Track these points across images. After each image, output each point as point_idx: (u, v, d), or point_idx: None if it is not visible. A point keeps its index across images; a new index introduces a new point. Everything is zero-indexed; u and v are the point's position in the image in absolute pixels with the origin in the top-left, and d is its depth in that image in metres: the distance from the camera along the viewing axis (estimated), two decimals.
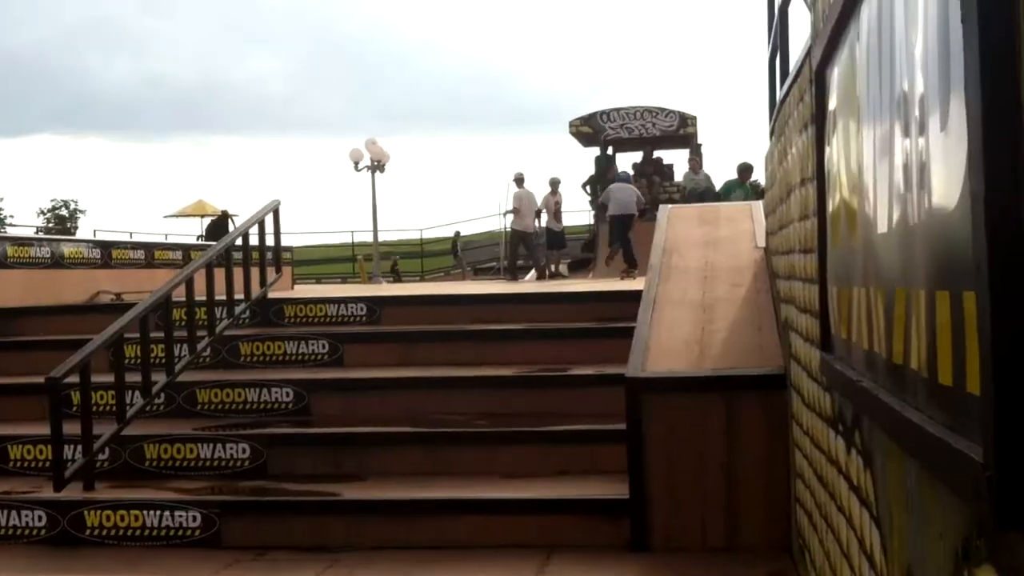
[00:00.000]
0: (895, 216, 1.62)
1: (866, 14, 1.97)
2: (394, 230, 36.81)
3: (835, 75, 2.56)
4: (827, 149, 2.73)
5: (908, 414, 1.43)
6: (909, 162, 1.48)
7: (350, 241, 33.04)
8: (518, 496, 5.12)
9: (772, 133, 5.51)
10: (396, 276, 27.25)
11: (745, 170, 16.92)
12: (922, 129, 1.39)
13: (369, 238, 26.10)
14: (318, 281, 24.90)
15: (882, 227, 1.74)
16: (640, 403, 4.79)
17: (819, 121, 2.92)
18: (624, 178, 19.29)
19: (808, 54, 3.40)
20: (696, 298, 5.71)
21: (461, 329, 7.27)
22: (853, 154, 2.17)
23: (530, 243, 18.95)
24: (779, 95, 5.07)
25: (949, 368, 1.21)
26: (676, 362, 4.96)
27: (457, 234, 28.71)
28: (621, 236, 16.28)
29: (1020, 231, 0.93)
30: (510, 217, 19.06)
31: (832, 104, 2.64)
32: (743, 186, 16.75)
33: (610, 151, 24.17)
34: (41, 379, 6.04)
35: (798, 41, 4.73)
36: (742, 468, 4.67)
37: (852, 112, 2.19)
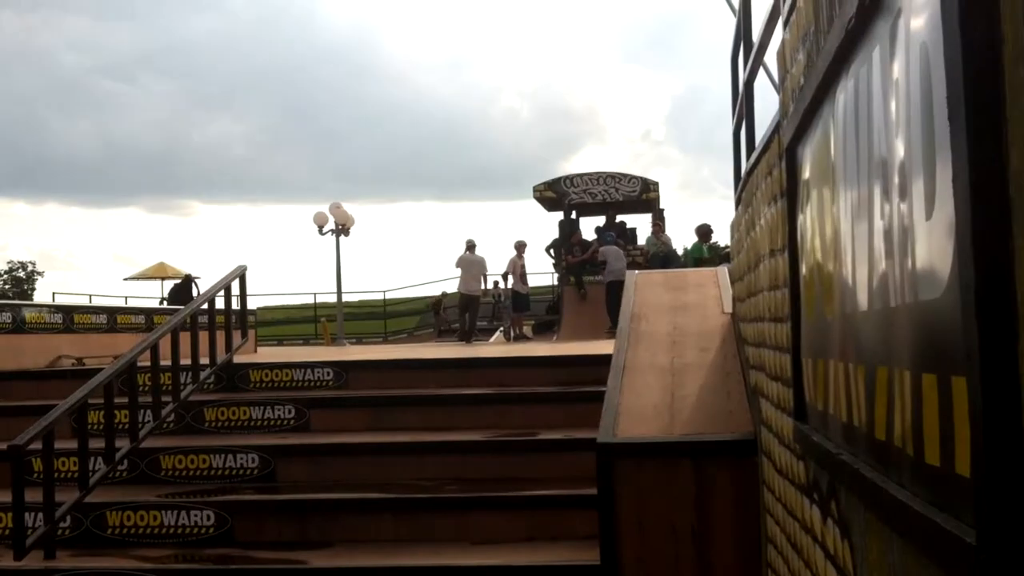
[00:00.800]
0: (876, 294, 1.67)
1: (842, 97, 2.04)
2: (357, 292, 36.76)
3: (807, 152, 2.63)
4: (799, 224, 2.80)
5: (893, 491, 1.46)
6: (892, 245, 1.53)
7: (312, 302, 32.93)
8: (490, 563, 5.10)
9: (738, 203, 5.61)
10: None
11: (705, 232, 17.17)
12: (906, 215, 1.44)
13: (332, 299, 26.02)
14: (280, 342, 24.72)
15: (862, 304, 1.79)
16: (611, 468, 4.80)
17: (791, 195, 2.99)
18: (611, 241, 19.54)
19: (776, 131, 3.49)
20: (665, 363, 5.75)
21: (430, 394, 7.27)
22: (828, 231, 2.23)
23: (474, 307, 19.02)
24: (744, 166, 5.19)
25: (936, 449, 1.25)
26: (646, 427, 4.99)
27: (444, 294, 28.63)
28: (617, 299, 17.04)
29: (1013, 320, 0.97)
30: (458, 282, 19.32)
31: (804, 180, 2.71)
32: (703, 247, 17.02)
33: (574, 215, 24.39)
34: (2, 446, 5.96)
35: (761, 115, 4.86)
36: (713, 533, 4.68)
37: (828, 190, 2.25)
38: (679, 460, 4.75)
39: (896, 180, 1.53)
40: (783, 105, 3.28)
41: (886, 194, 1.60)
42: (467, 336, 18.42)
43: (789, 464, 3.27)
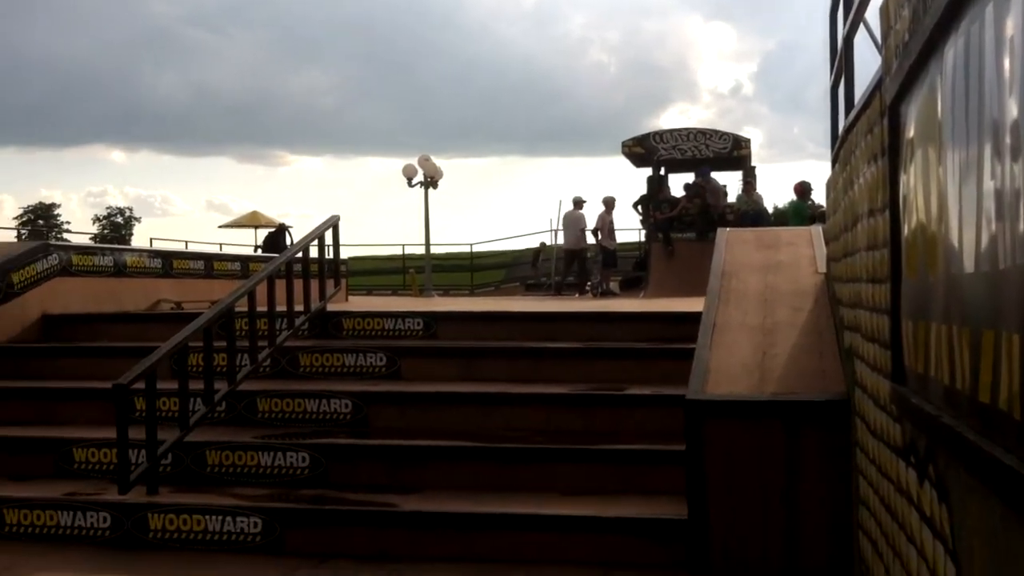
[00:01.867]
0: (984, 256, 1.66)
1: (951, 55, 2.00)
2: (444, 244, 37.01)
3: (912, 110, 2.59)
4: (901, 184, 2.76)
5: (997, 454, 1.46)
6: (1002, 207, 1.52)
7: (400, 254, 33.31)
8: (575, 513, 5.17)
9: (835, 161, 5.52)
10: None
11: (805, 190, 16.90)
12: (1019, 177, 1.43)
13: (419, 251, 26.30)
14: (369, 292, 25.07)
15: (969, 266, 1.77)
16: (700, 425, 4.82)
17: (892, 154, 2.95)
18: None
19: (878, 88, 3.42)
20: (756, 322, 5.72)
21: (517, 346, 7.33)
22: (933, 191, 2.21)
23: (580, 262, 19.63)
24: (842, 125, 5.10)
25: None
26: (736, 386, 4.98)
27: (543, 245, 28.64)
28: None
29: None
30: (560, 235, 19.85)
31: (908, 139, 2.66)
32: (802, 203, 16.79)
33: (662, 172, 24.17)
34: (104, 384, 6.21)
35: (861, 72, 4.75)
36: (802, 493, 4.68)
37: (933, 150, 2.22)
38: (770, 419, 4.74)
39: (1008, 140, 1.51)
40: (885, 62, 3.22)
41: (997, 154, 1.58)
42: (579, 288, 19.56)
43: (884, 426, 3.25)
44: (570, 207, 20.93)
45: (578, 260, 19.91)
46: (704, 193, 20.80)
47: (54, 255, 8.92)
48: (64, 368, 7.78)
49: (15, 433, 6.60)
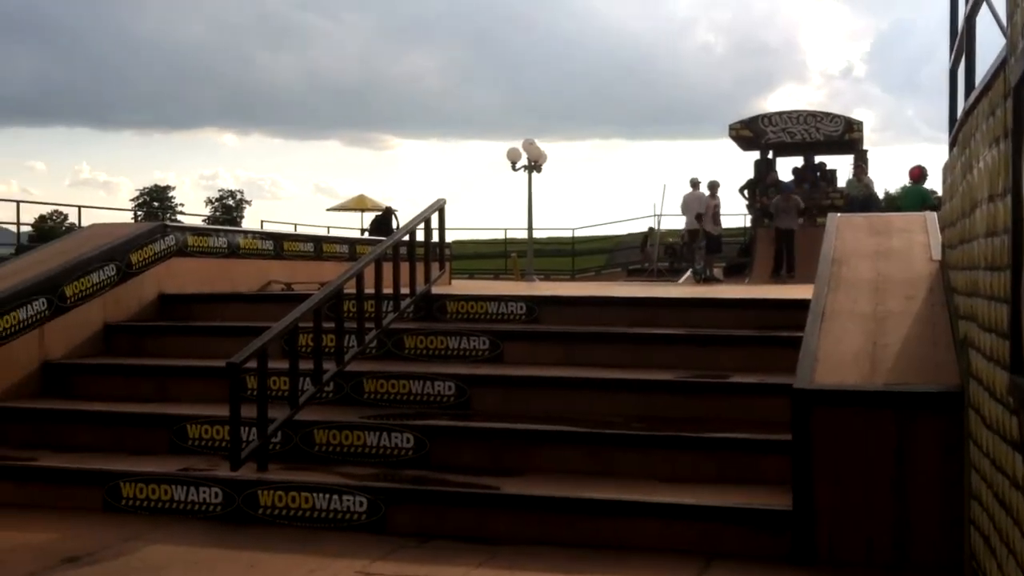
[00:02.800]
0: None
1: None
2: (546, 229, 37.00)
3: None
4: None
5: None
6: None
7: (502, 238, 33.45)
8: (677, 501, 5.13)
9: (953, 144, 5.35)
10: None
11: (921, 175, 16.41)
12: None
13: (521, 235, 26.38)
14: (471, 276, 25.27)
15: None
16: (807, 414, 4.74)
17: (1016, 137, 2.84)
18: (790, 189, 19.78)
19: (1002, 69, 3.30)
20: (867, 310, 5.59)
21: (620, 331, 7.30)
22: None
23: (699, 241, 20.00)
24: (962, 106, 4.93)
25: None
26: (845, 375, 4.88)
27: (651, 230, 28.47)
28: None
29: None
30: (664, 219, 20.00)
31: None
32: (918, 188, 16.32)
33: (770, 155, 23.76)
34: (217, 363, 6.40)
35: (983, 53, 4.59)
36: (913, 486, 4.57)
37: None
38: (880, 410, 4.64)
39: None
40: (1011, 42, 3.10)
41: None
42: (699, 274, 19.95)
43: (1000, 419, 3.15)
44: (688, 189, 20.85)
45: (696, 241, 20.43)
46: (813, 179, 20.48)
47: (171, 236, 9.20)
48: (179, 346, 8.03)
49: (133, 409, 6.84)
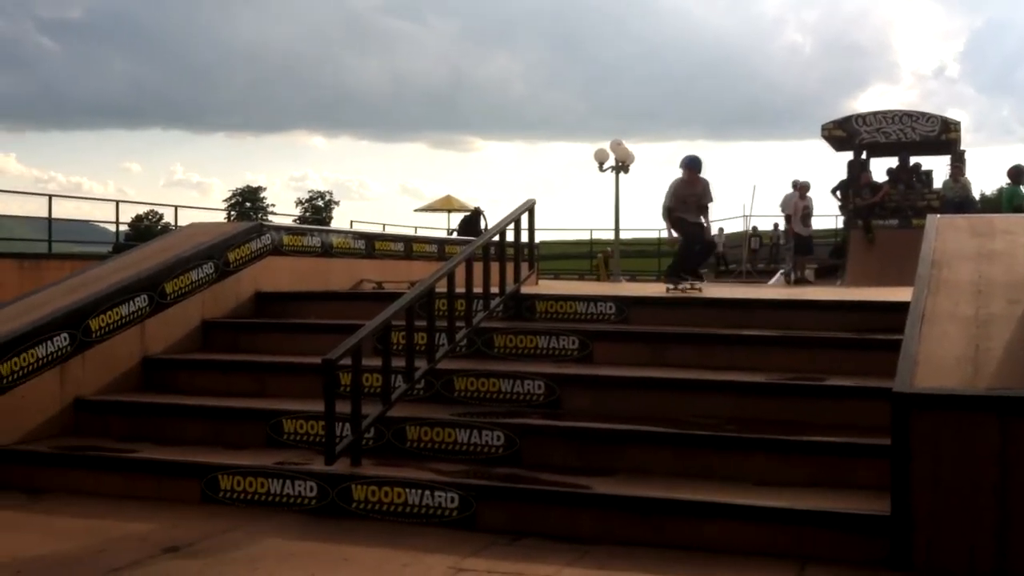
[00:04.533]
0: None
1: None
2: (632, 229, 36.80)
3: None
4: None
5: None
6: None
7: (588, 239, 33.38)
8: (770, 504, 5.06)
9: None
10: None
11: (1017, 174, 15.94)
12: None
13: (607, 236, 26.28)
14: (556, 276, 25.29)
15: None
16: (907, 419, 4.64)
17: None
18: None
19: None
20: (968, 314, 5.45)
21: (711, 332, 7.24)
22: None
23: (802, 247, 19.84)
24: None
25: None
26: (947, 379, 4.77)
27: (755, 229, 28.10)
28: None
29: None
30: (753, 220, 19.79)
31: None
32: (1016, 189, 15.84)
33: (864, 155, 23.31)
34: (311, 360, 6.51)
35: None
36: (1016, 491, 4.44)
37: None
38: (983, 414, 4.52)
39: None
40: None
41: None
42: (760, 277, 19.55)
43: None
44: (789, 190, 20.75)
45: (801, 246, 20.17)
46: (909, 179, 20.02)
47: (267, 235, 9.40)
48: (274, 343, 8.19)
49: (230, 404, 7.00)
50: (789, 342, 6.96)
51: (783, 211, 20.46)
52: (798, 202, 20.09)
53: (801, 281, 19.53)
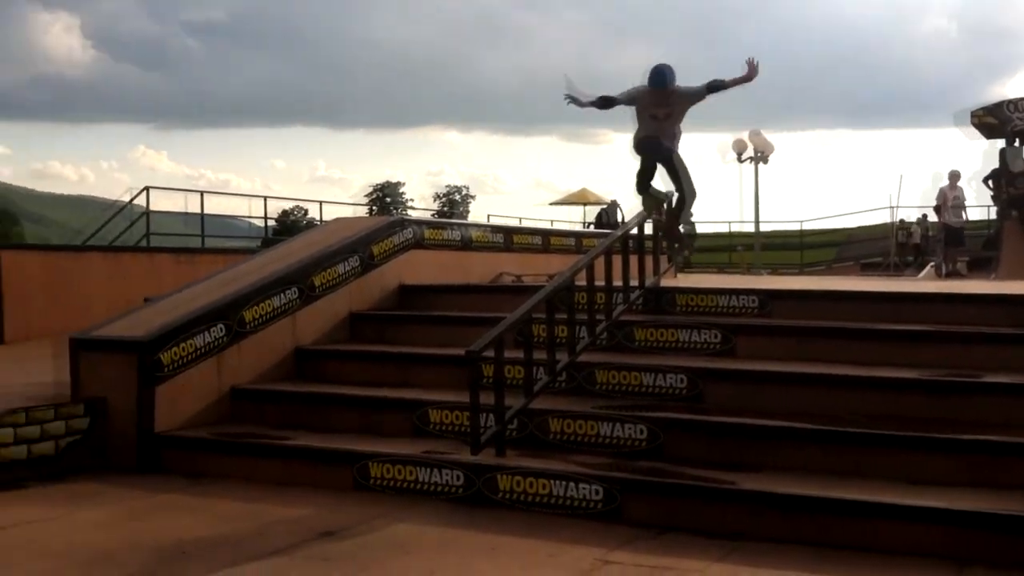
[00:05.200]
0: None
1: None
2: (771, 221, 36.05)
3: None
4: None
5: None
6: None
7: (726, 231, 32.87)
8: (926, 504, 4.92)
9: None
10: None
11: None
12: None
13: (745, 228, 25.86)
14: (694, 269, 24.99)
15: None
16: None
17: None
18: None
19: None
20: None
21: (860, 327, 7.06)
22: None
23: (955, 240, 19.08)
24: None
25: None
26: None
27: (902, 221, 27.14)
28: None
29: None
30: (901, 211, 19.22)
31: None
32: None
33: (1017, 143, 22.31)
34: (454, 351, 6.63)
35: None
36: None
37: None
38: None
39: None
40: None
41: None
42: (907, 270, 18.78)
43: None
44: (945, 181, 19.97)
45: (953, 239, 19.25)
46: None
47: (408, 229, 9.61)
48: (418, 334, 8.36)
49: (378, 393, 7.19)
50: (942, 337, 6.73)
51: (937, 201, 19.71)
52: (948, 192, 19.39)
53: (953, 274, 18.83)
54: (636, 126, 8.25)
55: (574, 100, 8.02)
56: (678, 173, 8.33)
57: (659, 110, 8.01)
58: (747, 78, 7.90)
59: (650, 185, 8.48)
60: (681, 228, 8.62)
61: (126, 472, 6.75)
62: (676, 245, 9.03)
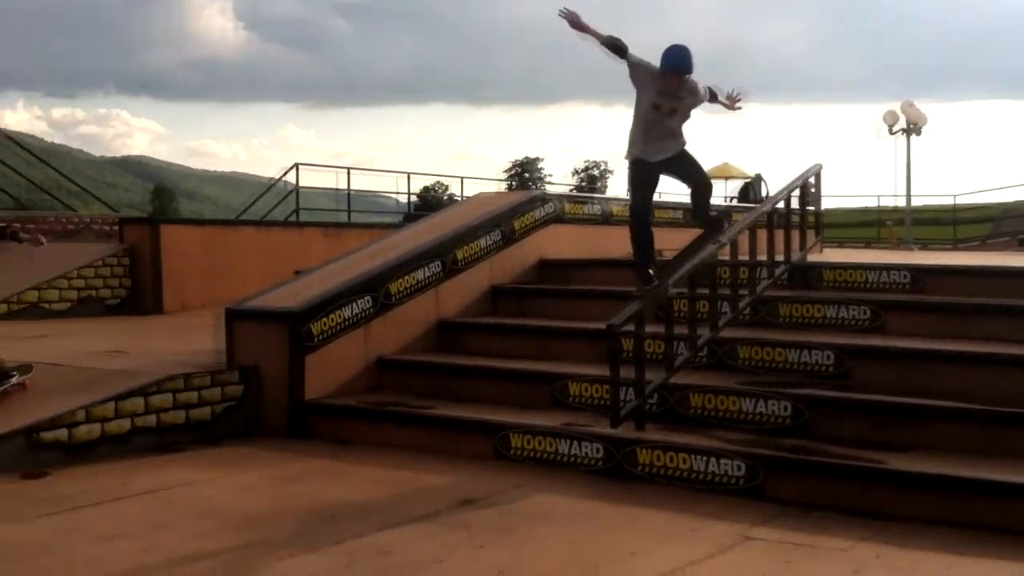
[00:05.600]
0: None
1: None
2: (921, 195, 34.71)
3: None
4: None
5: None
6: None
7: (875, 205, 31.85)
8: None
9: None
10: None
11: None
12: None
13: (894, 203, 24.97)
14: (840, 245, 24.28)
15: None
16: None
17: None
18: None
19: None
20: None
21: (1020, 304, 6.74)
22: None
23: None
24: None
25: None
26: None
27: None
28: None
29: None
30: None
31: None
32: None
33: None
34: (593, 325, 6.64)
35: None
36: None
37: None
38: None
39: None
40: None
41: None
42: None
43: None
44: None
45: None
46: None
47: (549, 204, 9.64)
48: (557, 308, 8.40)
49: (519, 366, 7.26)
50: None
51: None
52: None
53: None
54: (633, 115, 6.57)
55: (577, 24, 6.34)
56: (695, 164, 6.80)
57: (666, 101, 6.41)
58: (727, 106, 6.86)
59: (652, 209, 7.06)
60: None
61: (277, 437, 7.02)
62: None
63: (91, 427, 6.40)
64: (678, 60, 6.33)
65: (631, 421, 6.06)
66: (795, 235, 8.12)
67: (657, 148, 6.54)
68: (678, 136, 6.59)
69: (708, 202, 7.10)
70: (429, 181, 52.92)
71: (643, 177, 6.67)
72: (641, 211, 6.79)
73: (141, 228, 13.10)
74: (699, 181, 6.87)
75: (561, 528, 4.94)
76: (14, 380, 6.83)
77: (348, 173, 20.41)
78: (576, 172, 74.39)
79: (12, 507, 5.37)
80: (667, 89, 6.37)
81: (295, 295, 7.58)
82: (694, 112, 6.62)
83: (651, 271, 6.51)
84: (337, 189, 20.73)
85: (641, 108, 6.49)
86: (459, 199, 25.79)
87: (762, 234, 7.54)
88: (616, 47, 6.35)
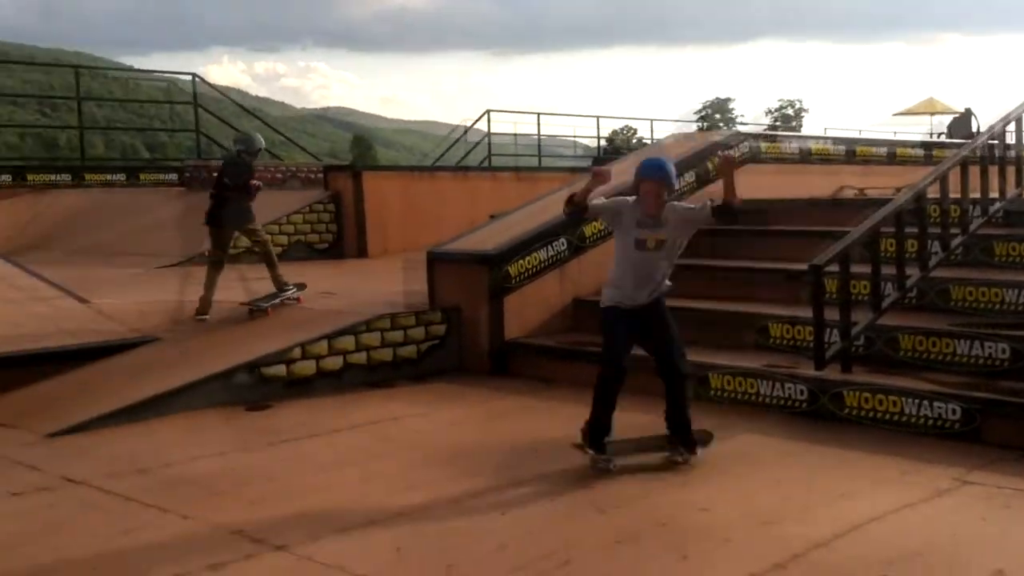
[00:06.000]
0: None
1: None
2: None
3: None
4: None
5: None
6: None
7: None
8: None
9: None
10: None
11: None
12: None
13: None
14: None
15: None
16: None
17: None
18: None
19: None
20: None
21: None
22: None
23: None
24: None
25: None
26: None
27: None
28: None
29: None
30: None
31: None
32: None
33: None
34: (795, 266, 6.49)
35: None
36: None
37: None
38: None
39: None
40: None
41: None
42: None
43: None
44: None
45: None
46: None
47: (744, 144, 9.47)
48: (754, 249, 8.26)
49: (717, 307, 7.19)
50: None
51: None
52: None
53: None
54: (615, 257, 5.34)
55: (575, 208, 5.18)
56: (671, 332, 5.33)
57: (650, 233, 5.05)
58: (726, 168, 5.33)
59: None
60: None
61: (478, 375, 7.24)
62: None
63: (307, 363, 6.78)
64: (650, 165, 5.07)
65: (836, 363, 5.93)
66: (1011, 172, 7.68)
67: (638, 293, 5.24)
68: (662, 277, 5.24)
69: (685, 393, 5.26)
70: (617, 125, 52.53)
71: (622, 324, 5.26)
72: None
73: (344, 176, 13.60)
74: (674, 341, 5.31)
75: (766, 467, 4.92)
76: (291, 293, 7.57)
77: (538, 118, 20.55)
78: (769, 111, 72.32)
79: (240, 436, 5.77)
80: (647, 213, 5.02)
81: (492, 238, 7.74)
82: None
83: (606, 440, 5.07)
84: (523, 135, 20.93)
85: (622, 243, 5.21)
86: (648, 142, 25.53)
87: (974, 171, 7.17)
88: (574, 210, 5.18)
